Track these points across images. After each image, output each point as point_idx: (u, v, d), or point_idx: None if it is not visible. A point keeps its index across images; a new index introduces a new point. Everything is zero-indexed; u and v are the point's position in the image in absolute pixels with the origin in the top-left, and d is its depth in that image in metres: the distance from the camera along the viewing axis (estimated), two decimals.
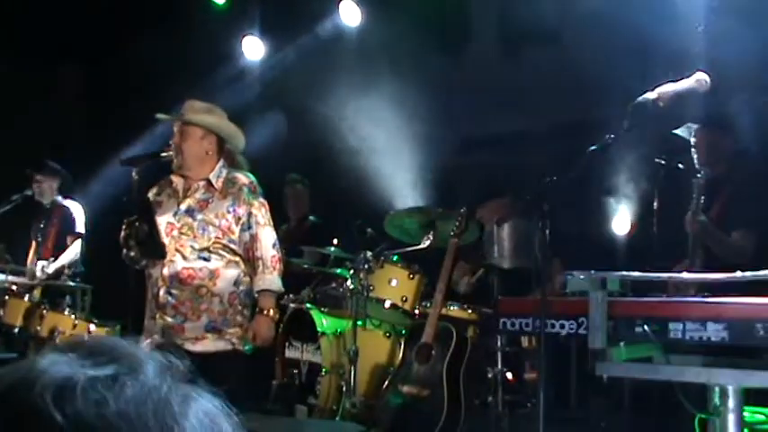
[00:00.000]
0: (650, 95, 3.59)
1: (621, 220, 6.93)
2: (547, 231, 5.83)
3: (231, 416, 1.03)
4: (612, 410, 6.44)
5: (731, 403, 2.87)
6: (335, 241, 7.18)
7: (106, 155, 9.38)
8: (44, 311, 5.96)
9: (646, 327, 2.99)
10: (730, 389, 2.87)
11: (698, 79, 3.64)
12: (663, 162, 5.64)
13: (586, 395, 6.67)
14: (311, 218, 8.34)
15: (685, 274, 3.67)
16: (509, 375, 6.04)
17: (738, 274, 3.04)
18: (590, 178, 6.64)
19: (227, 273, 5.06)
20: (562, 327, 3.26)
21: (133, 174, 5.04)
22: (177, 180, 5.25)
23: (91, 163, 9.80)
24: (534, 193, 3.43)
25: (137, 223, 4.94)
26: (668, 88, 3.63)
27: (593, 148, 3.48)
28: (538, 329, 3.29)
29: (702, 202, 5.31)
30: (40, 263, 7.79)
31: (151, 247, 4.98)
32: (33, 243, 8.40)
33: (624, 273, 3.13)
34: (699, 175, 5.31)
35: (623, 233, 6.92)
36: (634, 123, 3.56)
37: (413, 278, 6.43)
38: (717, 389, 2.94)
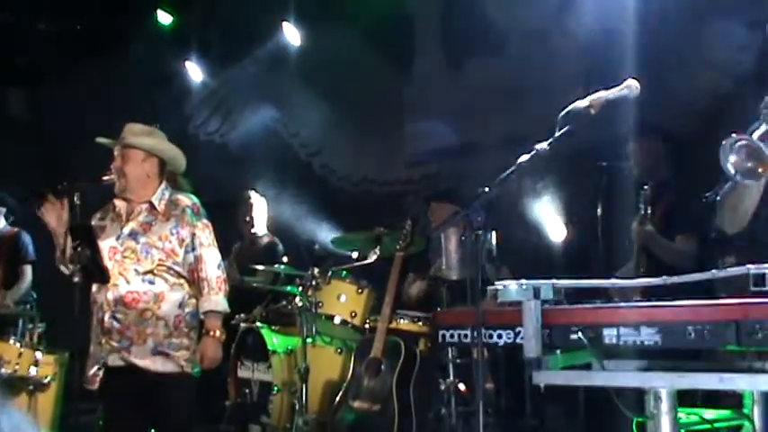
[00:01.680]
0: (582, 103, 3.63)
1: (556, 226, 6.96)
2: (493, 242, 5.91)
3: (36, 426, 1.08)
4: (568, 418, 6.48)
5: (665, 406, 2.90)
6: (285, 259, 7.16)
7: (51, 179, 9.33)
8: None
9: (581, 334, 3.01)
10: (664, 392, 2.90)
11: (629, 86, 3.67)
12: (605, 165, 5.69)
13: (541, 404, 6.71)
14: (265, 235, 8.26)
15: (617, 280, 3.69)
16: (462, 387, 6.05)
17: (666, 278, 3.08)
18: (529, 187, 6.72)
19: (172, 295, 5.04)
20: (499, 337, 3.27)
21: (75, 198, 5.01)
22: (120, 204, 5.23)
23: (35, 188, 9.72)
24: (469, 205, 3.44)
25: (79, 248, 4.90)
26: (600, 95, 3.66)
27: (523, 158, 3.51)
28: (476, 340, 3.29)
29: (644, 205, 5.36)
30: (6, 293, 7.74)
31: (94, 272, 4.94)
32: None
33: (555, 281, 3.14)
34: (646, 187, 5.36)
35: (559, 240, 6.96)
36: (566, 131, 3.59)
37: (361, 293, 6.44)
38: (651, 392, 2.96)
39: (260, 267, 7.34)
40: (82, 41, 10.44)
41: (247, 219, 8.23)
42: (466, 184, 7.44)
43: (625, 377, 2.98)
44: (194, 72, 10.11)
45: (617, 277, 4.83)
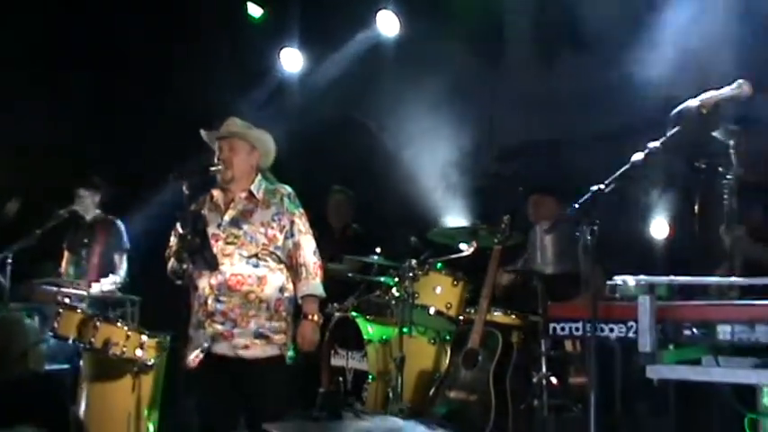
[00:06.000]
0: (693, 102, 3.66)
1: (660, 223, 6.94)
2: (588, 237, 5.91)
3: None
4: (657, 414, 6.46)
5: None
6: (378, 250, 7.27)
7: (146, 169, 9.54)
8: (97, 323, 6.05)
9: (694, 329, 3.06)
10: None
11: (740, 86, 3.70)
12: (703, 166, 5.62)
13: (631, 399, 6.70)
14: (354, 226, 8.43)
15: (733, 278, 3.71)
16: (554, 380, 6.08)
17: None
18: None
19: (274, 279, 5.24)
20: (611, 330, 3.33)
21: (183, 188, 5.16)
22: (217, 194, 5.43)
23: (132, 177, 9.92)
24: (584, 202, 3.50)
25: (189, 236, 5.08)
26: (711, 95, 3.69)
27: (637, 156, 3.56)
28: (588, 333, 3.35)
29: (736, 207, 5.21)
30: (104, 280, 7.91)
31: (203, 259, 5.11)
32: (66, 254, 8.49)
33: (672, 277, 3.19)
34: (729, 177, 5.15)
35: (662, 237, 6.93)
36: (678, 130, 3.63)
37: (457, 285, 6.51)
38: (766, 389, 3.01)
39: (347, 257, 7.47)
40: (171, 33, 10.56)
41: (338, 212, 8.38)
42: (560, 179, 7.46)
43: (742, 374, 3.01)
44: (289, 62, 10.17)
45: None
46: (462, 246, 6.93)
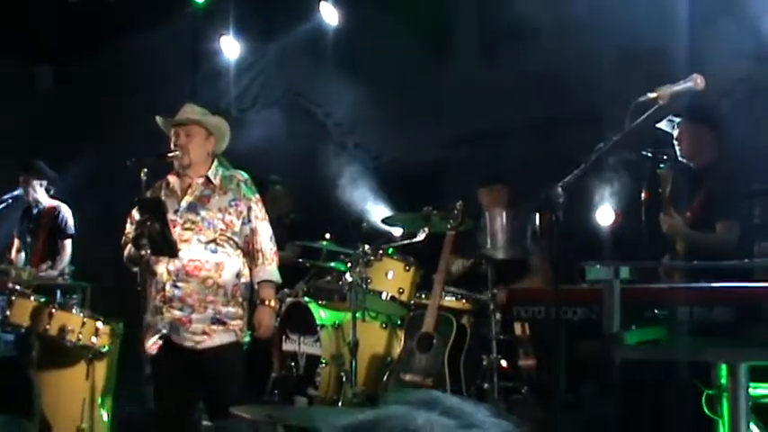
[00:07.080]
0: (651, 95, 3.80)
1: (607, 210, 7.06)
2: (536, 223, 6.04)
3: None
4: (603, 395, 6.61)
5: (740, 380, 3.09)
6: (328, 235, 7.34)
7: (84, 153, 9.51)
8: (53, 310, 6.02)
9: (656, 311, 3.21)
10: (739, 366, 3.08)
11: (694, 79, 3.85)
12: (650, 155, 5.76)
13: (576, 380, 6.83)
14: (291, 215, 8.50)
15: (695, 262, 3.87)
16: (503, 363, 6.21)
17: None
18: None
19: (231, 265, 5.30)
20: (575, 313, 3.47)
21: (142, 174, 5.18)
22: (173, 180, 5.46)
23: (71, 162, 9.87)
24: (552, 190, 3.60)
25: (148, 222, 5.09)
26: (667, 88, 3.84)
27: (600, 146, 3.68)
28: (552, 316, 3.48)
29: (676, 194, 5.34)
30: (41, 266, 7.87)
31: (163, 245, 5.13)
32: (16, 241, 8.45)
33: (635, 262, 3.33)
34: (662, 166, 5.17)
35: (607, 224, 7.06)
36: (637, 122, 3.76)
37: (409, 270, 6.61)
38: (724, 367, 3.16)
39: (289, 244, 7.55)
40: (114, 18, 10.51)
41: (275, 203, 8.45)
42: (504, 167, 7.58)
43: (703, 352, 3.16)
44: (228, 49, 10.18)
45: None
46: (395, 230, 7.06)
